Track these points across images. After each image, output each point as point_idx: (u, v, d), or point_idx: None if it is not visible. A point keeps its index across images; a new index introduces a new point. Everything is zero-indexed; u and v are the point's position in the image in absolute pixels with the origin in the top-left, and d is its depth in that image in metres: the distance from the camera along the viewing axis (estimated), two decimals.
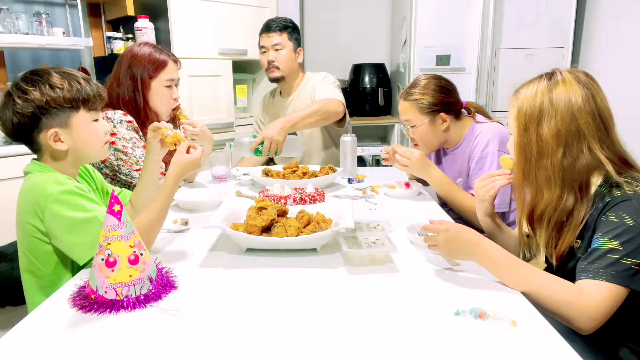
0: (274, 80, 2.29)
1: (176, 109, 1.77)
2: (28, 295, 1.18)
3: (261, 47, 2.27)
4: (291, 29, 2.24)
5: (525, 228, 1.16)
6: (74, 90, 1.12)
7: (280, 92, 2.40)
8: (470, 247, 1.01)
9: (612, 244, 0.93)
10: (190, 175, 1.95)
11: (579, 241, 1.04)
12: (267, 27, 2.24)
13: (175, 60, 1.72)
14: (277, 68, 2.23)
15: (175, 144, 1.27)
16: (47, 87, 1.10)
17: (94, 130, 1.19)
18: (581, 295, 0.91)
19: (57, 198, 1.06)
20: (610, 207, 0.96)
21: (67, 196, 1.07)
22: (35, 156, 1.19)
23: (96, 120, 1.19)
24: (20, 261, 1.17)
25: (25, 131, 1.12)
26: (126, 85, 1.64)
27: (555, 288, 0.93)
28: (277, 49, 2.21)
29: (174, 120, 1.79)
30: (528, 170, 1.07)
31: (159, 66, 1.66)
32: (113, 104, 1.63)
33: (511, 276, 0.97)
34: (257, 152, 1.92)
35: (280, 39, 2.21)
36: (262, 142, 1.91)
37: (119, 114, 1.59)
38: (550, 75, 1.06)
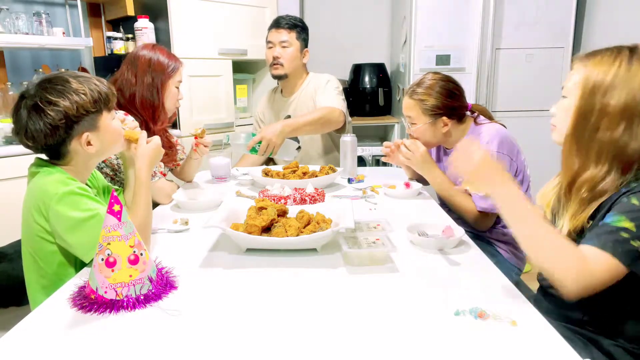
0: (276, 77, 2.29)
1: (203, 131, 1.87)
2: (31, 294, 1.18)
3: (268, 42, 2.27)
4: (300, 29, 2.26)
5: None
6: (95, 93, 1.14)
7: (282, 91, 2.40)
8: (502, 176, 0.98)
9: (626, 224, 0.90)
10: (190, 175, 1.95)
11: (591, 221, 1.00)
12: (277, 23, 2.25)
13: (181, 63, 1.84)
14: (282, 65, 2.24)
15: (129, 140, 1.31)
16: (73, 94, 1.10)
17: (116, 128, 1.23)
18: (584, 261, 0.89)
19: (61, 199, 1.07)
20: (635, 192, 0.93)
21: (70, 197, 1.09)
22: (38, 155, 1.19)
23: (113, 118, 1.22)
24: (24, 260, 1.18)
25: (58, 141, 1.12)
26: (146, 86, 1.73)
27: (558, 244, 0.91)
28: (284, 46, 2.22)
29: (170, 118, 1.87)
30: (581, 139, 1.02)
31: (174, 69, 1.79)
32: (120, 104, 1.65)
33: (521, 220, 0.95)
34: (254, 150, 1.95)
35: (288, 36, 2.22)
36: (260, 141, 1.92)
37: (119, 115, 1.59)
38: (632, 49, 1.00)
